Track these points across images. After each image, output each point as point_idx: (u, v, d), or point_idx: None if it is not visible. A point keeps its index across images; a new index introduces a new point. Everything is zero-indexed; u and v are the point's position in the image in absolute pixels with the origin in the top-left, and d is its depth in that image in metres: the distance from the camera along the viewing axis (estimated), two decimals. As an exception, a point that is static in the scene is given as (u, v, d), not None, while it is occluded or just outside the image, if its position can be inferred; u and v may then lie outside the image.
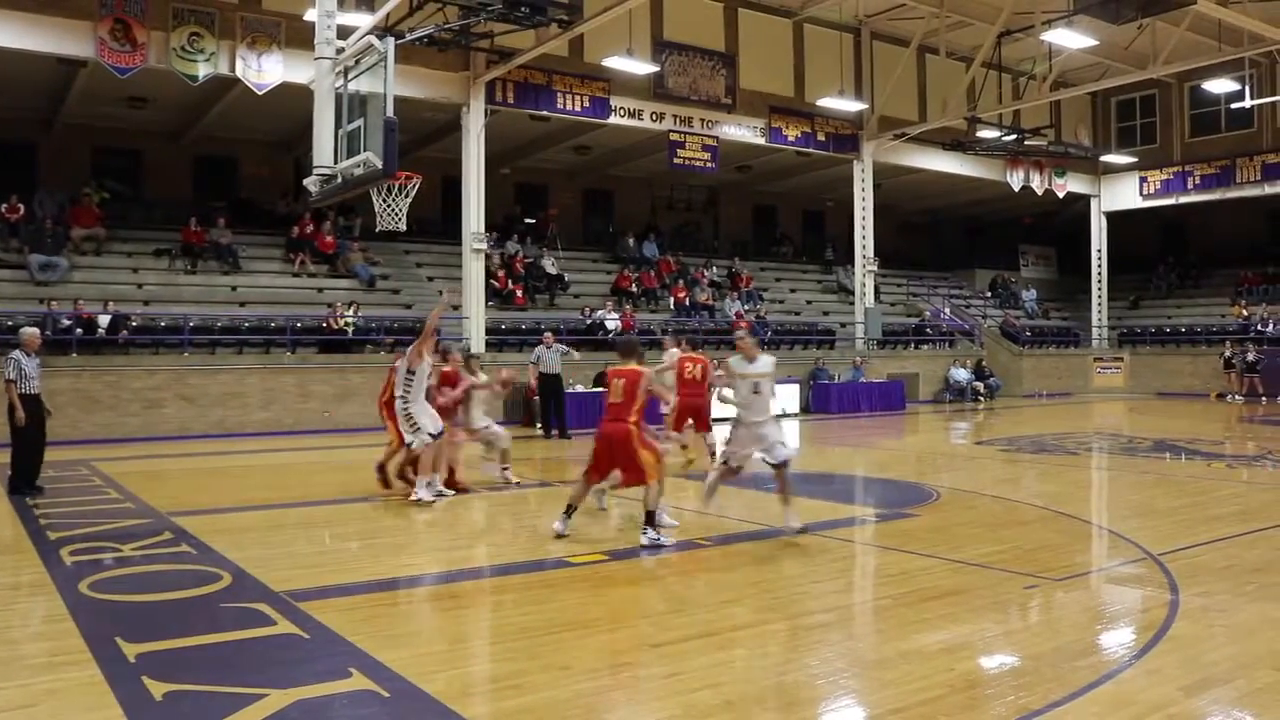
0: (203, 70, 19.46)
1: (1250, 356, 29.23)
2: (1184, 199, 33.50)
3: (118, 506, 10.86)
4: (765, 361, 9.08)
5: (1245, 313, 33.10)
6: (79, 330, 18.85)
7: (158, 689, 5.00)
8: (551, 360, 19.06)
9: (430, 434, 10.70)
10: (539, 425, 19.35)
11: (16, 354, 11.26)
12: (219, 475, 14.39)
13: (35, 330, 11.78)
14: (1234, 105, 30.61)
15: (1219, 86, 30.19)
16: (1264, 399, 28.29)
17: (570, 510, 8.89)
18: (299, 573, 7.58)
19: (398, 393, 10.81)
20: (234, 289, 22.64)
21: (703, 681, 5.14)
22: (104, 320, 19.33)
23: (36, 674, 5.30)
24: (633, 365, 8.89)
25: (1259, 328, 31.60)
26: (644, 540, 8.43)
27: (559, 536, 8.73)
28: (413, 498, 10.63)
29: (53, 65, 19.86)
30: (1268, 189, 31.42)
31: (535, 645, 5.82)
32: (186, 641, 5.83)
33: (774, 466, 8.88)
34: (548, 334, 19.57)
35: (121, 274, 22.00)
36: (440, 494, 10.93)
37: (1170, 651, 5.59)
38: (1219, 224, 36.38)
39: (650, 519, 8.53)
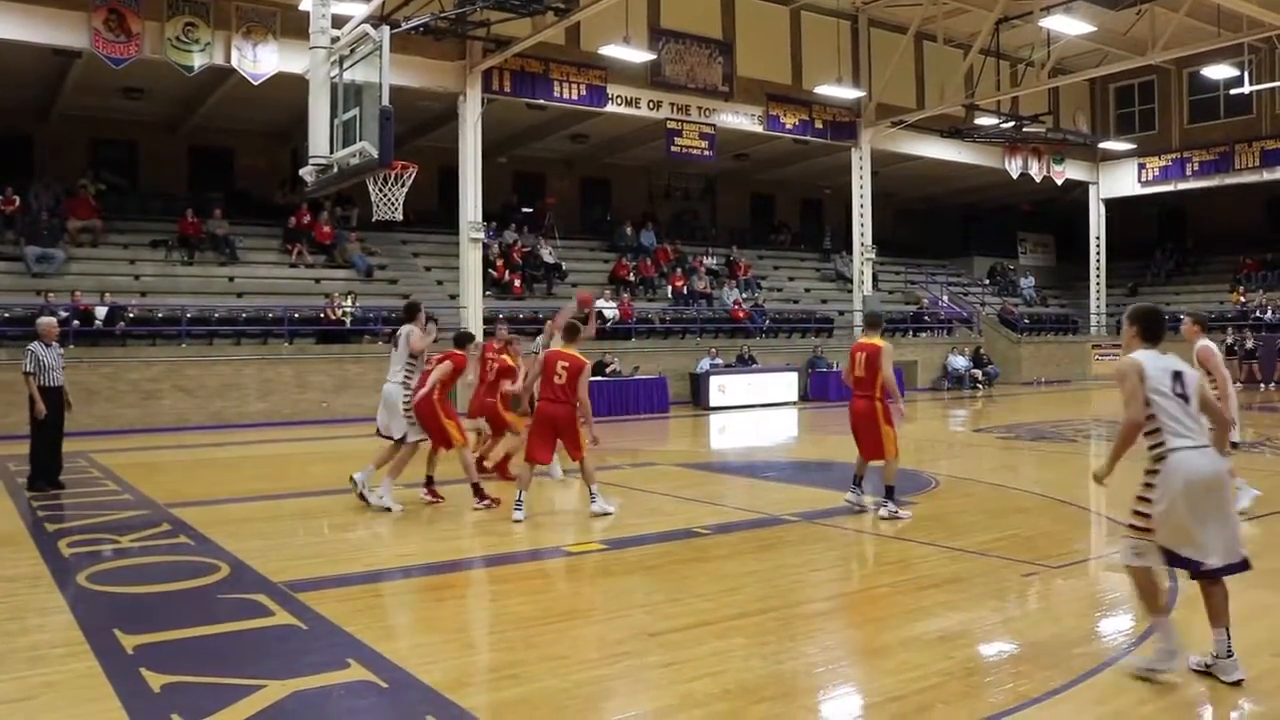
0: (198, 61, 19.40)
1: (1249, 343, 29.23)
2: (1182, 185, 33.46)
3: (115, 498, 10.86)
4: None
5: (1243, 299, 33.09)
6: (76, 322, 18.81)
7: (156, 680, 5.00)
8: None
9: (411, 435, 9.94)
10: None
11: (34, 345, 11.07)
12: (217, 466, 14.38)
13: (51, 320, 11.56)
14: (1233, 91, 30.53)
15: (1218, 72, 30.12)
16: (1262, 385, 28.30)
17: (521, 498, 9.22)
18: (297, 563, 7.58)
19: (397, 379, 10.04)
20: (231, 280, 22.62)
21: (701, 670, 5.14)
22: (101, 312, 19.31)
23: (34, 666, 5.29)
24: (574, 351, 9.27)
25: (1257, 314, 31.59)
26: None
27: (518, 522, 9.01)
28: (378, 501, 9.75)
29: (48, 56, 19.78)
30: (1266, 175, 31.39)
31: (533, 635, 5.81)
32: (184, 633, 5.83)
33: None
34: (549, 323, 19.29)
35: (118, 265, 21.98)
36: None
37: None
38: (1217, 210, 36.34)
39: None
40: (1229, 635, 4.90)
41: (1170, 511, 4.86)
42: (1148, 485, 4.99)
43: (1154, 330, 5.18)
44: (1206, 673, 4.93)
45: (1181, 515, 4.83)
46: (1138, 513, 5.03)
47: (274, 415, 19.81)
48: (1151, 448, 5.02)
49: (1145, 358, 5.05)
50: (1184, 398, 4.98)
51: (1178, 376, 5.02)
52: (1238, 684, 4.82)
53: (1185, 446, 4.89)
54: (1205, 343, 9.22)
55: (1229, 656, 4.88)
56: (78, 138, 24.79)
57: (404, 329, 10.11)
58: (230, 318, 20.83)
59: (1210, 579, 4.93)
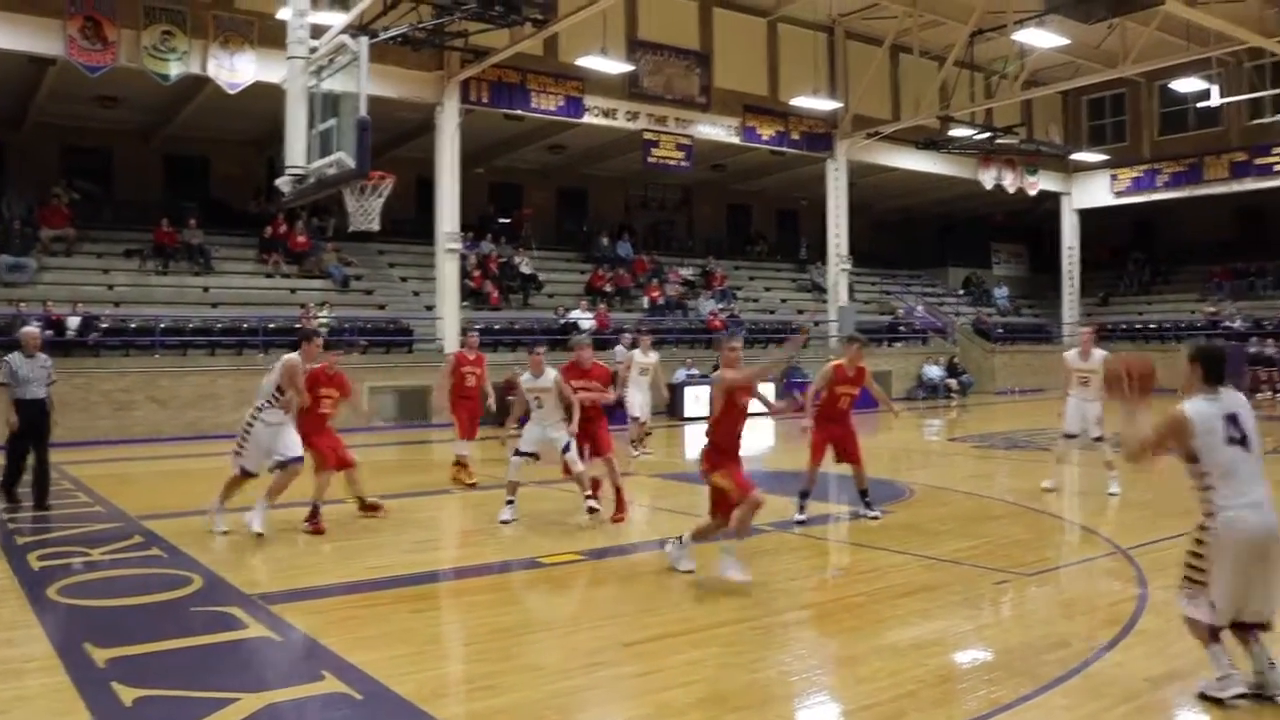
0: (174, 69, 19.30)
1: (1219, 352, 29.51)
2: (1154, 196, 33.80)
3: (87, 510, 10.77)
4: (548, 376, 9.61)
5: (1214, 309, 33.45)
6: (49, 332, 18.54)
7: (128, 694, 4.96)
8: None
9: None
10: None
11: (12, 356, 10.61)
12: (190, 478, 14.26)
13: (33, 330, 11.01)
14: (1201, 104, 30.89)
15: (1187, 86, 30.49)
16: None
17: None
18: (271, 576, 7.56)
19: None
20: (206, 290, 22.49)
21: (676, 680, 5.15)
22: (74, 322, 19.14)
23: (3, 681, 5.24)
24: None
25: (1227, 323, 31.94)
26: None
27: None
28: (250, 526, 8.98)
29: (22, 63, 19.63)
30: (1235, 186, 31.76)
31: (508, 646, 5.81)
32: (157, 646, 5.79)
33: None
34: (645, 336, 19.04)
35: (92, 275, 21.80)
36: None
37: (1138, 644, 5.66)
38: (1188, 221, 36.70)
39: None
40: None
41: (1221, 576, 4.64)
42: (1199, 542, 4.78)
43: (1217, 372, 4.86)
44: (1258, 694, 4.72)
45: (1237, 580, 4.62)
46: (1192, 566, 4.80)
47: (249, 426, 19.66)
48: (1202, 503, 4.77)
49: (1195, 411, 4.76)
50: (1241, 443, 4.71)
51: (1232, 420, 4.74)
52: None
53: (1238, 505, 4.63)
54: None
55: (1273, 668, 4.73)
56: (51, 146, 24.57)
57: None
58: (205, 328, 20.69)
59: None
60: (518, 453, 9.64)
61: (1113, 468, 10.92)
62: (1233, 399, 4.83)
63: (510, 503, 9.65)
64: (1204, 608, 4.70)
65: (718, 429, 7.28)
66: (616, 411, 12.35)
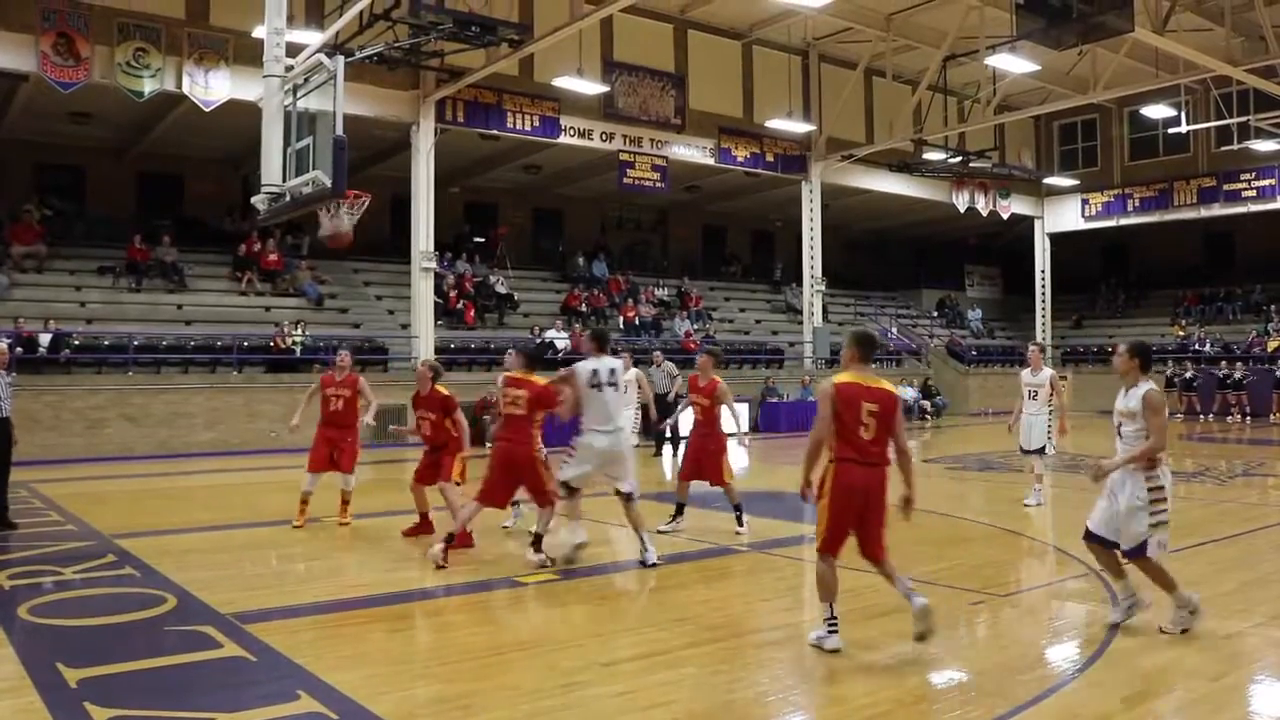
0: (148, 86, 19.23)
1: (1189, 375, 29.87)
2: (1124, 221, 34.26)
3: (59, 529, 10.65)
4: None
5: (1183, 333, 33.84)
6: (19, 349, 18.42)
7: (101, 715, 4.92)
8: (661, 381, 18.97)
9: None
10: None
11: None
12: (163, 496, 14.17)
13: (2, 347, 10.57)
14: (1171, 130, 31.31)
15: (1156, 112, 30.98)
16: (1201, 416, 28.90)
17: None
18: (245, 595, 7.49)
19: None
20: (179, 307, 22.35)
21: (653, 700, 5.16)
22: (45, 339, 18.99)
23: (-27, 701, 5.18)
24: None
25: (1196, 347, 32.31)
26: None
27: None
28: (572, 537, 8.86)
29: (-7, 79, 19.53)
30: (1204, 212, 32.25)
31: (484, 665, 5.80)
32: (130, 666, 5.74)
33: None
34: (656, 353, 19.21)
35: (64, 292, 21.63)
36: None
37: (1112, 664, 5.71)
38: (1158, 246, 37.19)
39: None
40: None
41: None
42: (1160, 488, 6.26)
43: (1149, 363, 6.69)
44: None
45: None
46: (1158, 507, 6.25)
47: (222, 445, 19.55)
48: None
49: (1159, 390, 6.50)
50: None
51: None
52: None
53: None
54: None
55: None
56: (22, 162, 24.40)
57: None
58: (178, 346, 20.57)
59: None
60: None
61: (1040, 480, 12.01)
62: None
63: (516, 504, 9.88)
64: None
65: None
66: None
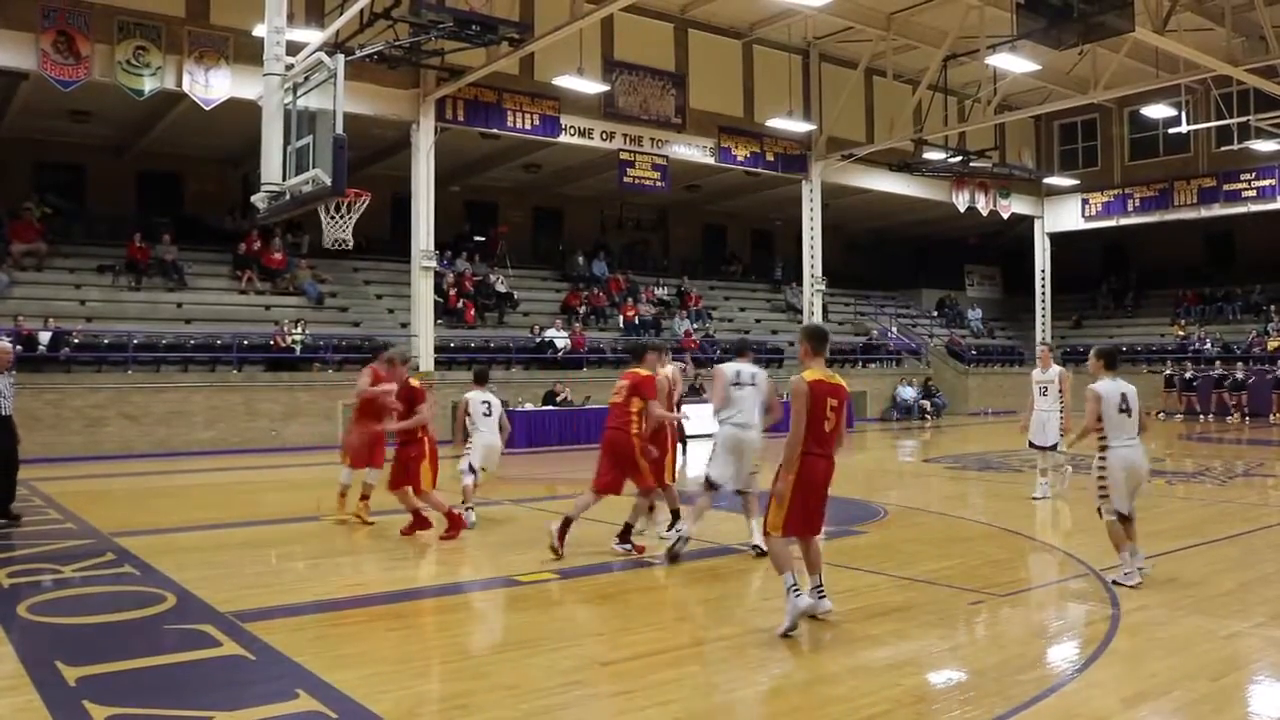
0: (148, 85, 19.22)
1: (1188, 375, 29.88)
2: (1124, 221, 34.23)
3: (58, 527, 10.65)
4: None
5: (1183, 332, 33.84)
6: (19, 347, 18.42)
7: (99, 713, 4.91)
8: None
9: None
10: None
11: None
12: (163, 495, 14.18)
13: (6, 346, 10.71)
14: (1171, 130, 31.29)
15: (1156, 112, 30.96)
16: (1200, 416, 28.91)
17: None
18: (245, 593, 7.49)
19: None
20: (179, 306, 22.35)
21: (653, 699, 5.15)
22: (45, 337, 18.99)
23: (-28, 699, 5.18)
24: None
25: (1196, 347, 32.32)
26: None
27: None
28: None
29: (-7, 78, 19.52)
30: (1204, 212, 32.23)
31: (483, 664, 5.80)
32: (129, 664, 5.74)
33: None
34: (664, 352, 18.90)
35: (64, 290, 21.64)
36: None
37: (1111, 664, 5.70)
38: (1158, 245, 37.18)
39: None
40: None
41: (1115, 489, 7.58)
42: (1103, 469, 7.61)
43: (1114, 363, 8.05)
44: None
45: (1120, 489, 7.59)
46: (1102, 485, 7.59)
47: (222, 443, 19.56)
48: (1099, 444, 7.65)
49: (1104, 389, 7.69)
50: (1125, 411, 7.70)
51: (1124, 396, 7.73)
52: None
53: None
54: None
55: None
56: (22, 161, 24.37)
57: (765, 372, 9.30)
58: (178, 344, 20.56)
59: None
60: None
61: (1045, 475, 12.40)
62: (1123, 383, 7.76)
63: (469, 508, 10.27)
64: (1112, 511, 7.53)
65: None
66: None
